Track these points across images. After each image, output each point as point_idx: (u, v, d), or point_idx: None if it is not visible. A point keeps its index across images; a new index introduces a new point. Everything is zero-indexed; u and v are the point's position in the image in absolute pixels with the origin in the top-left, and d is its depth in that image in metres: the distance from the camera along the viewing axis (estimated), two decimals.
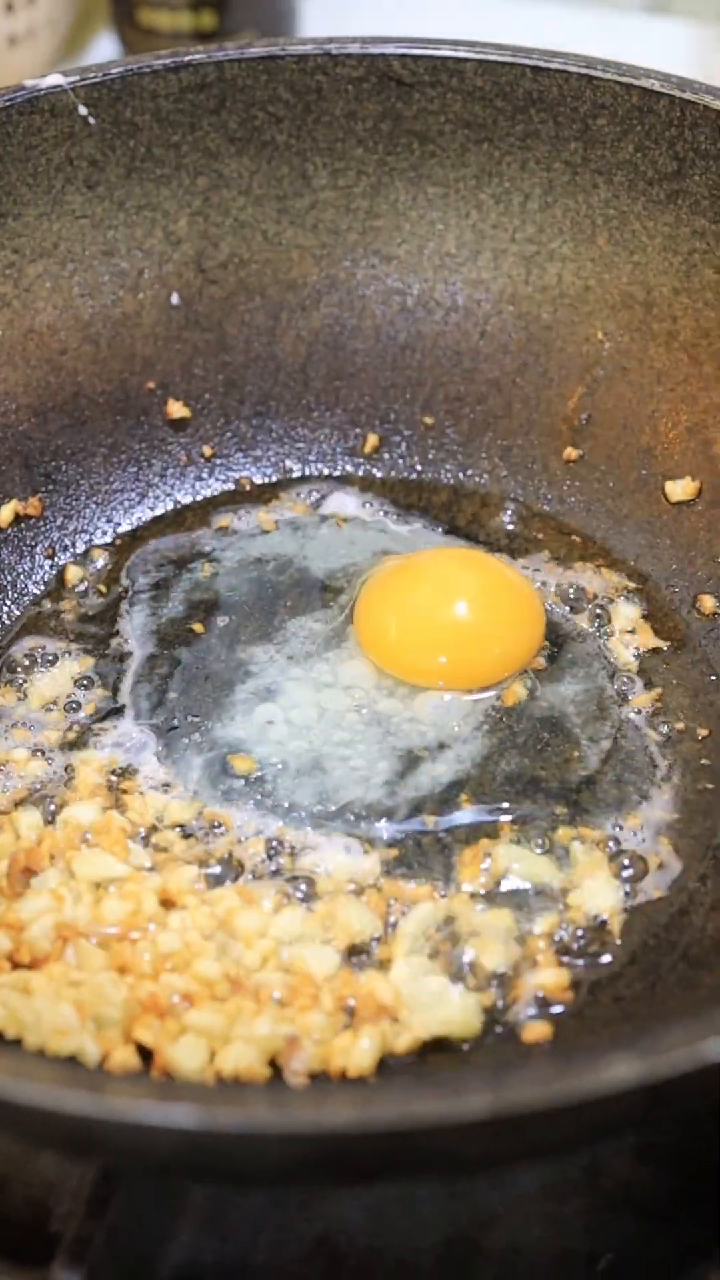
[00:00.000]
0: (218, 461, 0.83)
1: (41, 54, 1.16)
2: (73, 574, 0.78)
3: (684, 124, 0.75)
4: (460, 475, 0.83)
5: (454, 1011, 0.62)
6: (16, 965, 0.63)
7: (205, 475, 0.82)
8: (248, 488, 0.82)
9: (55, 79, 0.76)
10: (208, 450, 0.82)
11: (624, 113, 0.76)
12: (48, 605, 0.78)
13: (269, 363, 0.83)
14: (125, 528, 0.81)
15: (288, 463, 0.83)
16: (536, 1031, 0.61)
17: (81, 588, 0.78)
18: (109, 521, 0.80)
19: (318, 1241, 0.60)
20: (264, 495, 0.82)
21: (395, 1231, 0.60)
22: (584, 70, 0.76)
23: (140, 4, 1.11)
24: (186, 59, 0.77)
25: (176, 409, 0.82)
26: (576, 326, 0.80)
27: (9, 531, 0.78)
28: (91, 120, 0.77)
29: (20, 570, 0.78)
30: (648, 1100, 0.46)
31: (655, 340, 0.79)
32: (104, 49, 1.22)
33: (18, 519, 0.78)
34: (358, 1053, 0.59)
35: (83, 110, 0.77)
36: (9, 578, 0.77)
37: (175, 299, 0.81)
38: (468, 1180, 0.61)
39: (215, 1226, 0.60)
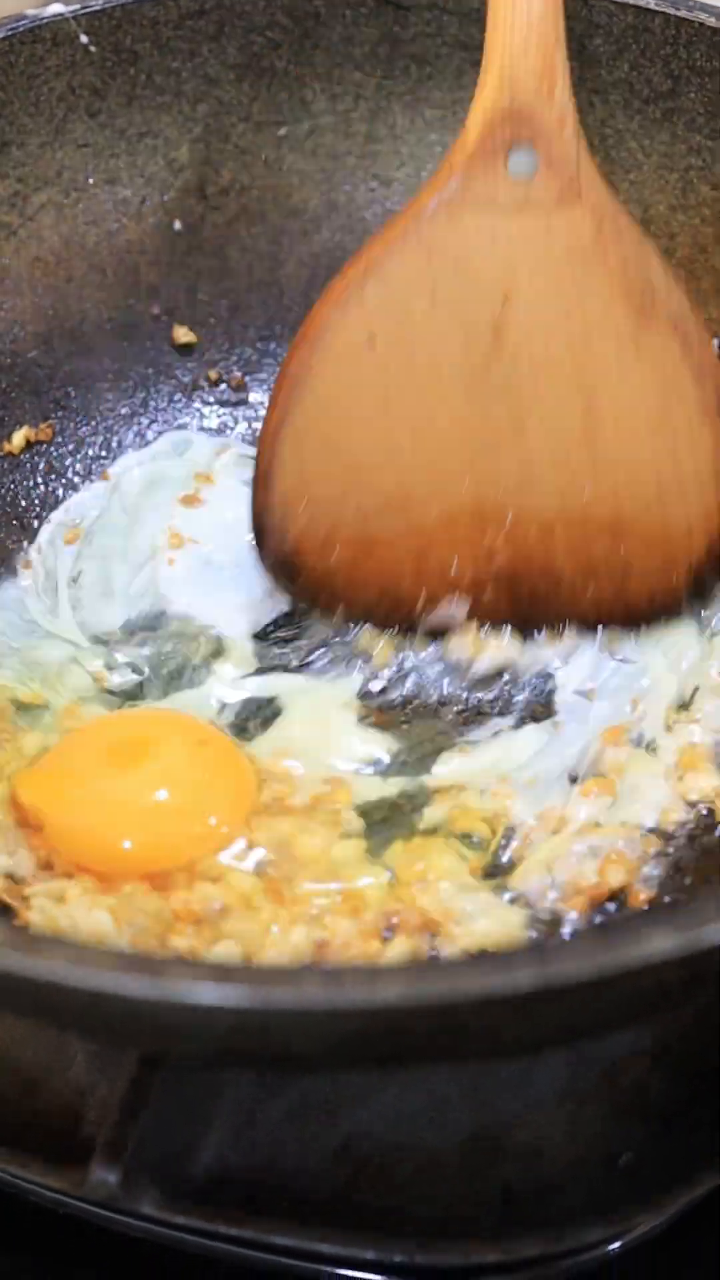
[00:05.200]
0: (223, 385, 0.84)
1: None
2: None
3: (679, 42, 0.75)
4: None
5: (499, 923, 0.63)
6: None
7: (210, 400, 0.83)
8: None
9: (57, 8, 0.76)
10: (213, 375, 0.83)
11: (619, 32, 0.76)
12: None
13: (272, 287, 0.83)
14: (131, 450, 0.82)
15: None
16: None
17: None
18: (119, 445, 0.81)
19: (343, 1146, 0.61)
20: None
21: (418, 1134, 0.61)
22: None
23: None
24: None
25: (182, 334, 0.82)
26: None
27: (21, 457, 0.79)
28: (92, 48, 0.77)
29: (32, 493, 0.79)
30: (687, 976, 0.46)
31: None
32: None
33: (29, 444, 0.79)
34: (386, 960, 0.59)
35: (84, 39, 0.77)
36: (23, 501, 0.79)
37: (178, 225, 0.82)
38: (495, 1079, 0.62)
39: (243, 1132, 0.61)
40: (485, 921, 0.63)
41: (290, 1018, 0.45)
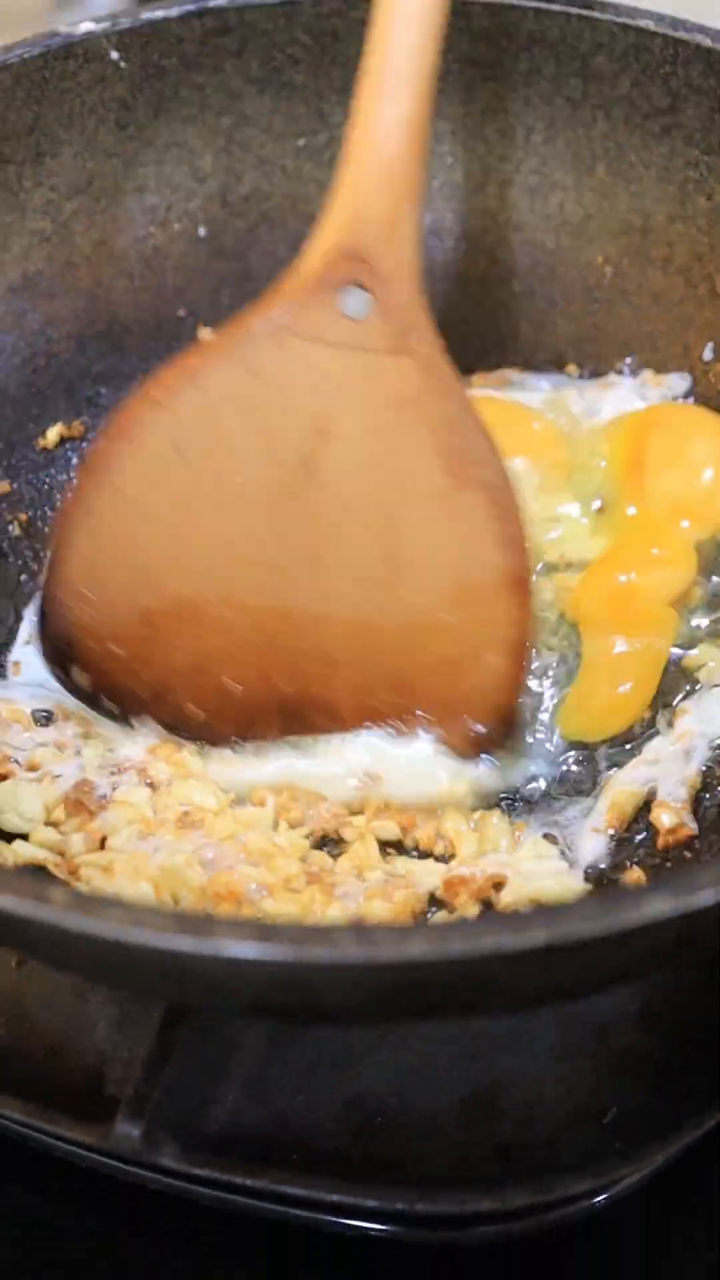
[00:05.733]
0: None
1: None
2: None
3: (677, 61, 0.78)
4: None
5: (556, 881, 0.66)
6: None
7: None
8: None
9: (88, 25, 0.79)
10: None
11: (621, 51, 0.79)
12: None
13: None
14: None
15: None
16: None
17: None
18: None
19: (349, 1103, 0.63)
20: None
21: (418, 1092, 0.64)
22: (583, 11, 0.78)
23: None
24: (210, 4, 0.80)
25: (206, 335, 0.84)
26: (579, 252, 0.84)
27: (55, 452, 0.81)
28: (122, 64, 0.80)
29: (65, 487, 0.81)
30: (679, 934, 0.49)
31: (652, 264, 0.82)
32: None
33: (62, 440, 0.82)
34: None
35: (114, 55, 0.79)
36: (57, 494, 0.81)
37: (202, 231, 0.84)
38: (492, 1042, 0.65)
39: (257, 1089, 0.64)
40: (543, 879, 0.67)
41: (326, 971, 0.47)
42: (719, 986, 0.66)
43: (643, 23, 0.78)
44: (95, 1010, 0.66)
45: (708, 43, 0.77)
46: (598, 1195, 0.61)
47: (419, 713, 0.70)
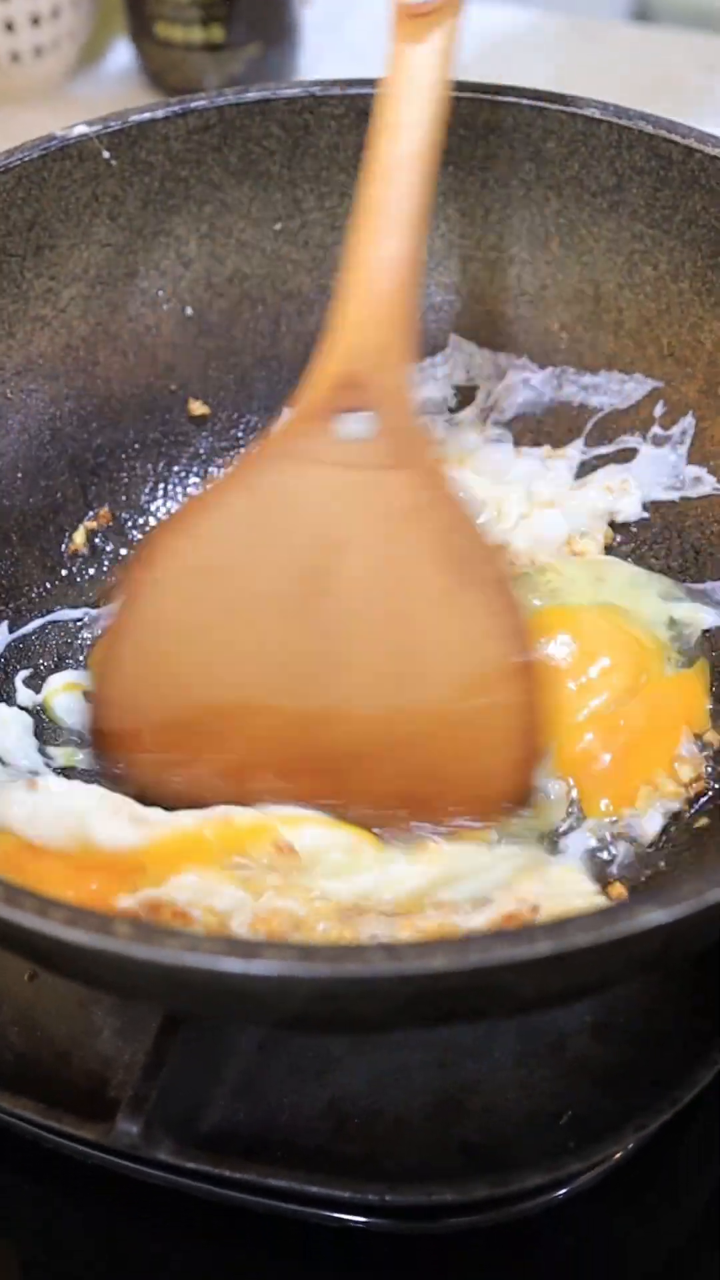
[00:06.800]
0: (235, 453, 0.89)
1: (64, 62, 1.25)
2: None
3: (621, 145, 0.81)
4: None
5: (586, 901, 0.69)
6: None
7: (225, 466, 0.89)
8: None
9: (81, 129, 0.82)
10: (225, 443, 0.89)
11: (570, 137, 0.82)
12: None
13: (273, 362, 0.89)
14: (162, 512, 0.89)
15: None
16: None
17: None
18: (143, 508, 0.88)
19: (328, 1105, 0.67)
20: None
21: (392, 1096, 0.67)
22: (534, 102, 0.82)
23: (156, 19, 1.18)
24: (193, 105, 0.83)
25: (197, 407, 0.88)
26: (536, 320, 0.87)
27: (83, 552, 0.86)
28: (113, 162, 0.83)
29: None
30: (666, 940, 0.53)
31: (604, 329, 0.86)
32: (119, 57, 1.29)
33: (89, 535, 0.86)
34: None
35: (105, 154, 0.83)
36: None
37: (189, 311, 0.88)
38: (458, 1050, 0.68)
39: (246, 1091, 0.67)
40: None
41: (360, 985, 0.51)
42: (663, 1001, 0.69)
43: (589, 111, 0.82)
44: (100, 1020, 0.70)
45: (649, 128, 0.81)
46: (558, 1190, 0.65)
47: (443, 798, 0.72)
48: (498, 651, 0.71)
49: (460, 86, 0.82)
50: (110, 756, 0.75)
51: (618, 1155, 0.66)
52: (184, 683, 0.73)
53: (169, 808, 0.71)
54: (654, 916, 0.51)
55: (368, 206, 0.72)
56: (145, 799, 0.72)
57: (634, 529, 0.86)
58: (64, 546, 0.86)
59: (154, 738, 0.73)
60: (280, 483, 0.72)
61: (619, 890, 0.71)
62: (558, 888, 0.69)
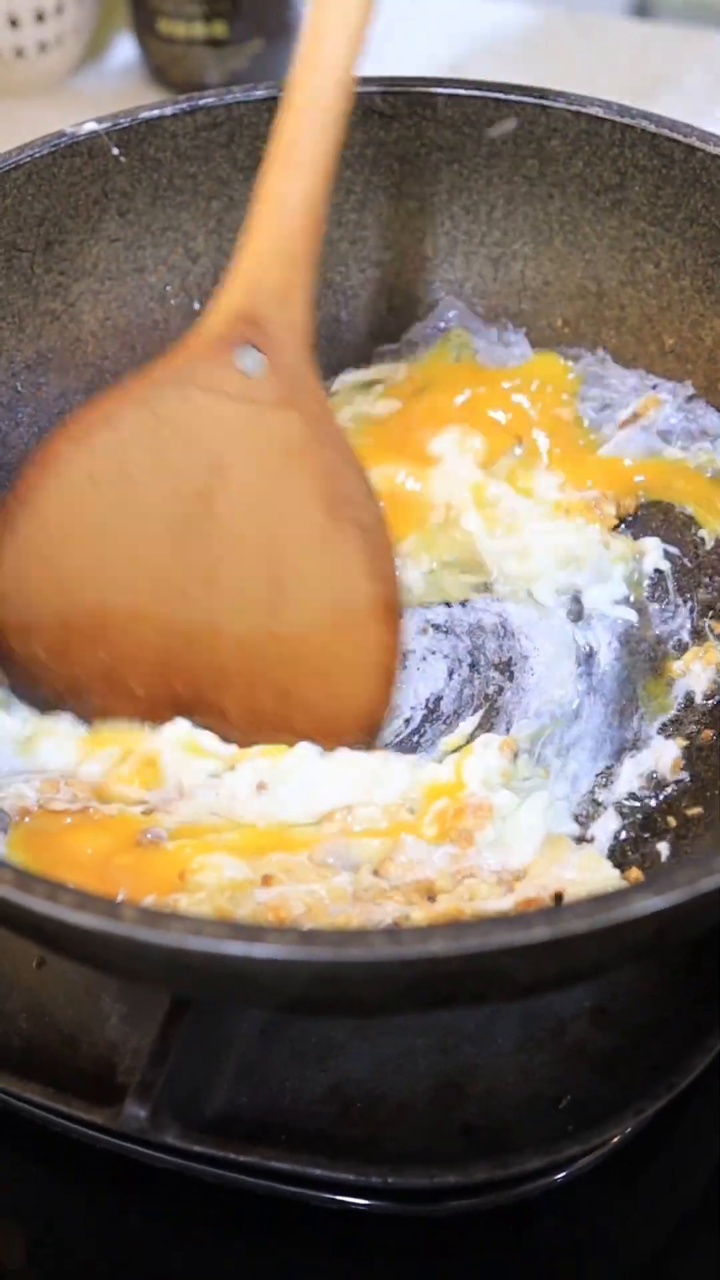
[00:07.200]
0: None
1: (68, 58, 1.26)
2: None
3: (624, 144, 0.82)
4: None
5: (606, 884, 0.70)
6: None
7: None
8: None
9: (91, 125, 0.82)
10: None
11: (573, 135, 0.83)
12: None
13: None
14: None
15: None
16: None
17: None
18: None
19: (331, 1089, 0.67)
20: None
21: (394, 1080, 0.67)
22: (538, 100, 0.83)
23: (159, 15, 1.19)
24: (201, 103, 0.84)
25: None
26: (539, 316, 0.88)
27: None
28: (122, 158, 0.84)
29: None
30: (659, 927, 0.54)
31: (607, 325, 0.87)
32: (123, 52, 1.30)
33: None
34: None
35: (115, 150, 0.83)
36: None
37: (197, 306, 0.88)
38: (459, 1036, 0.68)
39: (249, 1077, 0.68)
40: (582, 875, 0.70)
41: (363, 968, 0.52)
42: (661, 988, 0.70)
43: (592, 109, 0.82)
44: (107, 1006, 0.70)
45: (651, 127, 0.81)
46: (557, 1173, 0.66)
47: (297, 722, 0.76)
48: (365, 589, 0.74)
49: (464, 84, 0.84)
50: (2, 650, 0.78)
51: (616, 1139, 0.67)
52: (69, 583, 0.76)
53: (42, 703, 0.76)
54: (649, 903, 0.52)
55: (280, 141, 0.72)
56: (18, 694, 0.77)
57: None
58: None
59: (41, 637, 0.77)
60: (175, 406, 0.74)
61: (635, 874, 0.72)
62: (580, 872, 0.71)
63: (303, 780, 0.74)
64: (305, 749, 0.75)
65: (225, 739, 0.76)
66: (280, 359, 0.72)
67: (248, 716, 0.76)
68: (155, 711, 0.76)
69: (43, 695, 0.77)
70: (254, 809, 0.73)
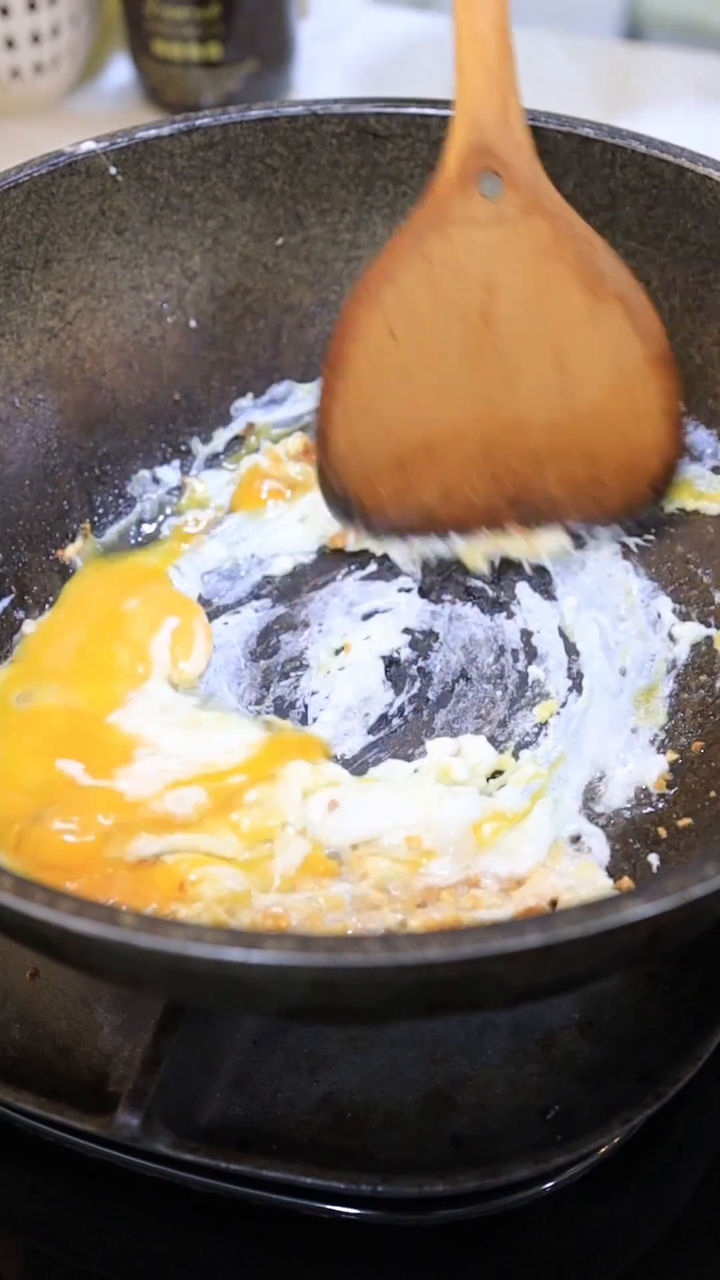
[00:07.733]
0: (238, 460, 0.91)
1: (64, 79, 1.27)
2: None
3: (615, 164, 0.83)
4: None
5: (599, 893, 0.71)
6: None
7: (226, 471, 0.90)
8: None
9: (89, 145, 0.83)
10: (227, 452, 0.91)
11: (564, 155, 0.83)
12: None
13: (274, 374, 0.91)
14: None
15: None
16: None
17: None
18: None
19: (322, 1099, 0.68)
20: None
21: (384, 1091, 0.68)
22: (530, 122, 0.81)
23: (155, 36, 1.20)
24: (198, 123, 0.85)
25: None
26: None
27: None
28: (120, 177, 0.84)
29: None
30: (651, 933, 0.55)
31: None
32: (118, 73, 1.31)
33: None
34: None
35: (112, 170, 0.84)
36: None
37: (193, 323, 0.89)
38: (449, 1047, 0.69)
39: (241, 1087, 0.68)
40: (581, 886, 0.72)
41: (357, 973, 0.53)
42: (648, 1000, 0.70)
43: (584, 131, 0.83)
44: (100, 1016, 0.71)
45: (641, 148, 0.82)
46: (545, 1182, 0.66)
47: (609, 481, 0.85)
48: (638, 349, 0.82)
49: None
50: (341, 505, 0.88)
51: (603, 1149, 0.67)
52: (395, 426, 0.85)
53: (393, 536, 0.88)
54: (641, 909, 0.53)
55: None
56: (374, 533, 0.88)
57: None
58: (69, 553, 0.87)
59: (384, 481, 0.86)
60: (439, 246, 0.82)
61: (626, 884, 0.73)
62: (576, 880, 0.72)
63: (368, 802, 0.76)
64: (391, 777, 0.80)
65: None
66: (516, 175, 0.80)
67: (569, 488, 0.85)
68: (494, 515, 0.86)
69: (395, 531, 0.87)
70: (326, 826, 0.75)
